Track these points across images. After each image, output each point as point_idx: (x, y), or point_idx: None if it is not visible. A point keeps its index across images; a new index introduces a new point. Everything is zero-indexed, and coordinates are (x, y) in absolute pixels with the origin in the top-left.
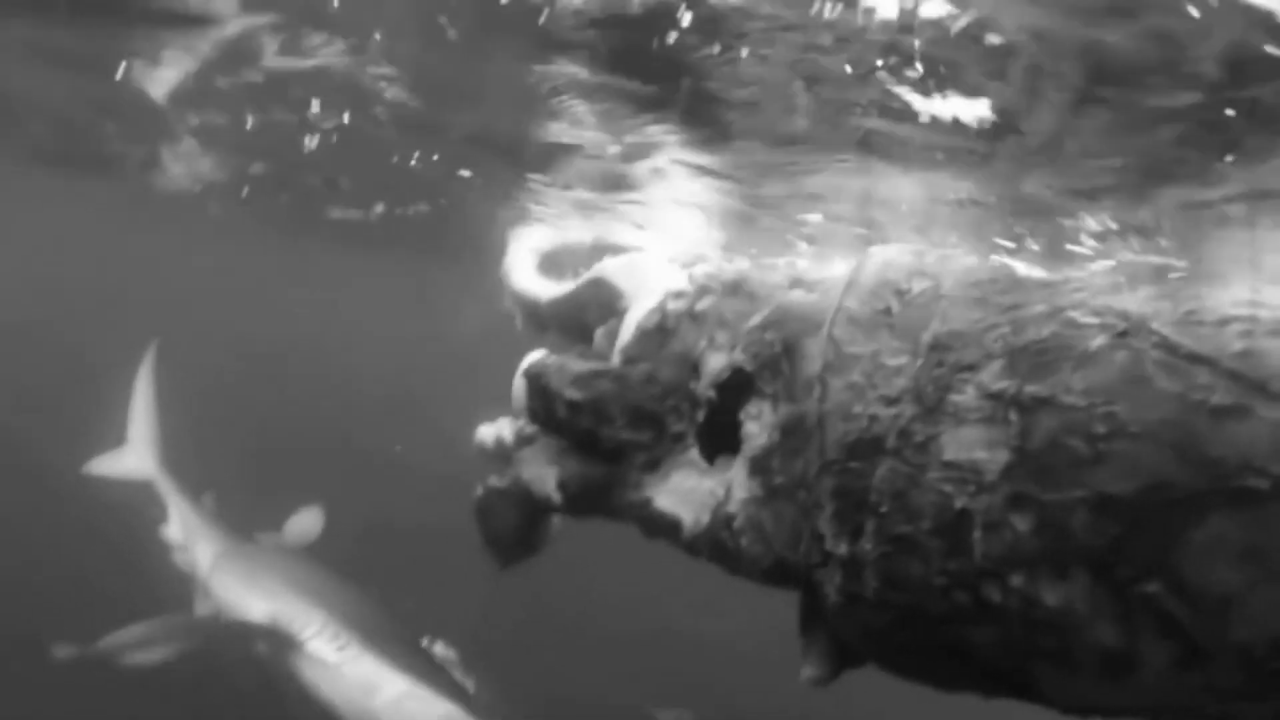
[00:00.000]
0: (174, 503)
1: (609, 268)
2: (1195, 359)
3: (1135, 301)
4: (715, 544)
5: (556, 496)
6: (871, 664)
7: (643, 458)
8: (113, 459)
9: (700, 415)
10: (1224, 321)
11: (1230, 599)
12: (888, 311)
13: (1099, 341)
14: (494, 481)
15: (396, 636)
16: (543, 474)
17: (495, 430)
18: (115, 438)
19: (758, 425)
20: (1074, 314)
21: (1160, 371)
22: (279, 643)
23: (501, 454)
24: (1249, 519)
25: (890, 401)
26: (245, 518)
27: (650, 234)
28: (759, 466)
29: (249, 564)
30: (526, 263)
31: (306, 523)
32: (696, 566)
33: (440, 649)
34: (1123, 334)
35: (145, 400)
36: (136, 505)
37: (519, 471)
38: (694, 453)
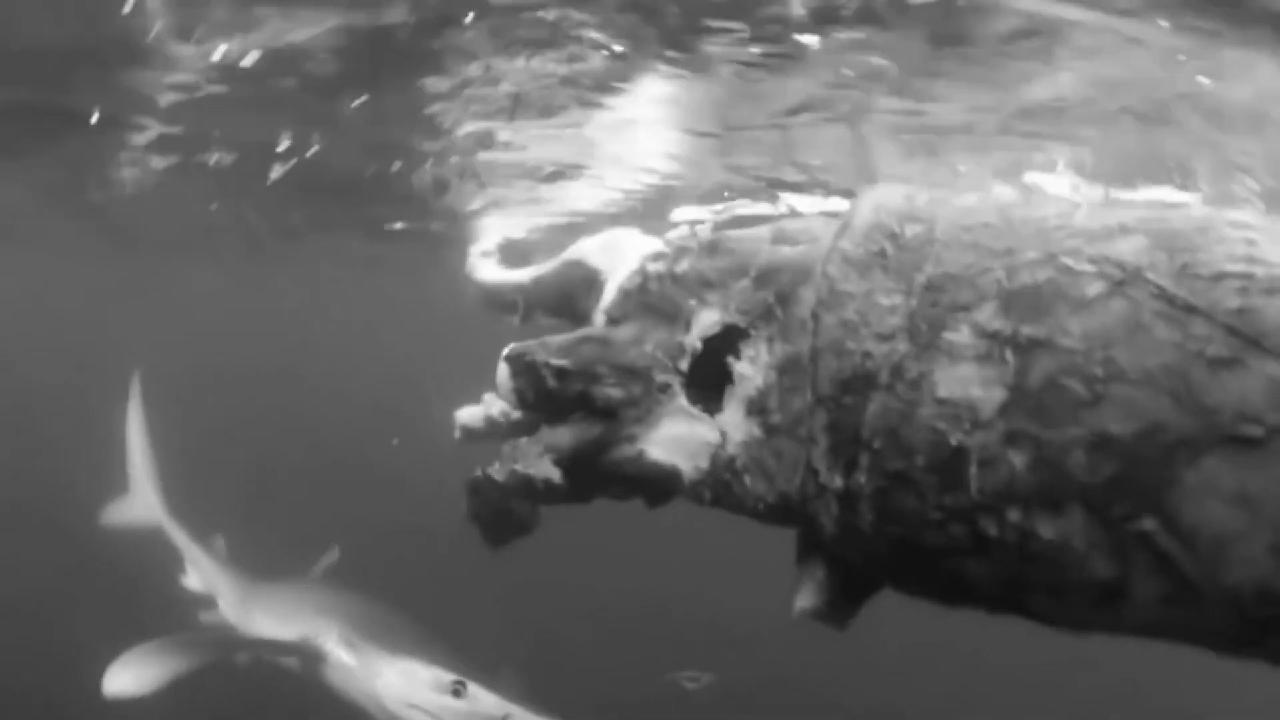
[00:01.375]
0: (188, 552)
1: (585, 248)
2: (1192, 310)
3: (1130, 251)
4: (718, 486)
5: (556, 475)
6: (868, 600)
7: (633, 413)
8: (120, 507)
9: (684, 364)
10: (1219, 277)
11: (1223, 541)
12: (882, 254)
13: (1096, 289)
14: (492, 472)
15: (397, 631)
16: (540, 462)
17: (483, 410)
18: (119, 484)
19: (752, 367)
20: (1069, 260)
21: (1158, 321)
22: (306, 657)
23: (494, 432)
24: (1243, 464)
25: (884, 338)
26: (259, 553)
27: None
28: (756, 407)
29: (270, 600)
30: (487, 258)
31: (327, 563)
32: (694, 533)
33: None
34: (1120, 283)
35: (140, 441)
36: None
37: (515, 463)
38: (681, 400)
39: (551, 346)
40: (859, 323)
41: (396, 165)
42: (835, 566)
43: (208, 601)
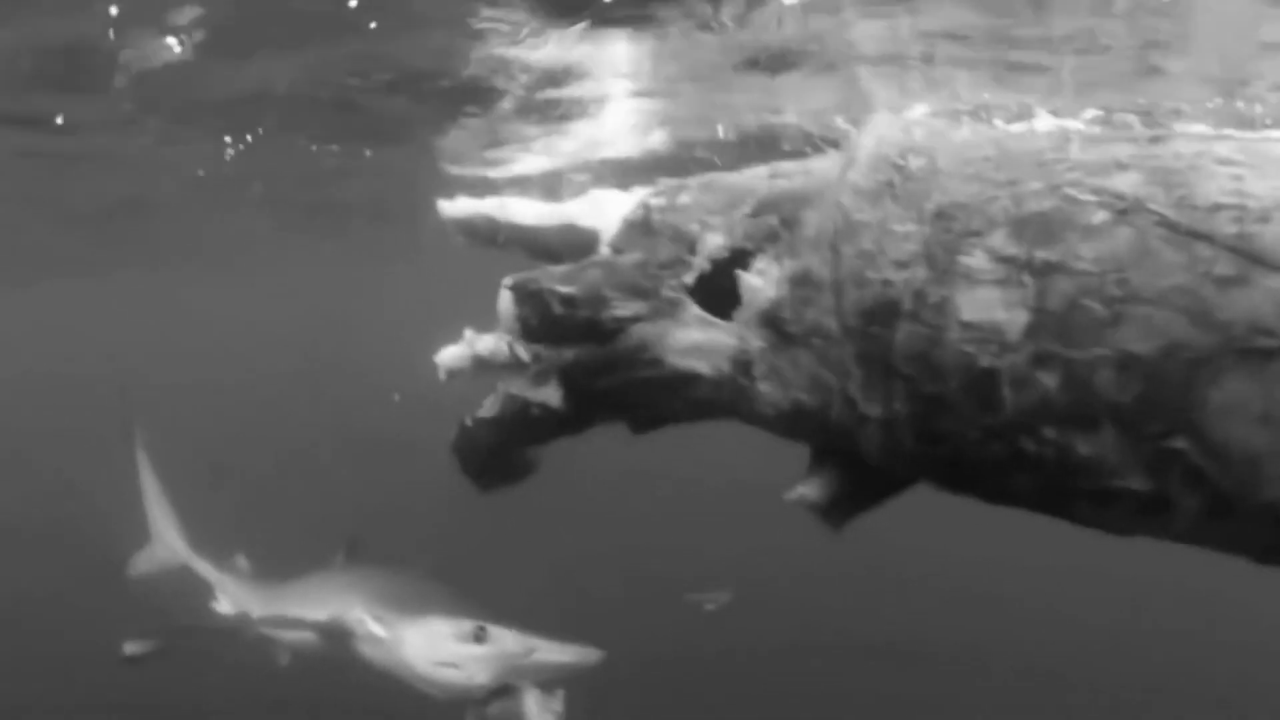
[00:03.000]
0: (214, 579)
1: (572, 210)
2: (1195, 235)
3: (1128, 185)
4: (735, 390)
5: (556, 397)
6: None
7: (646, 327)
8: (145, 557)
9: (690, 278)
10: (1215, 208)
11: (1255, 459)
12: (890, 184)
13: (1101, 217)
14: (482, 412)
15: (419, 595)
16: (538, 388)
17: (466, 349)
18: (140, 535)
19: (762, 280)
20: (1071, 191)
21: (1165, 245)
22: (335, 638)
23: (482, 371)
24: (1263, 380)
25: (902, 265)
26: (284, 559)
27: None
28: (769, 319)
29: (293, 593)
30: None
31: (348, 546)
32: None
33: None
34: (1123, 212)
35: (154, 487)
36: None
37: (511, 387)
38: (694, 310)
39: (556, 274)
40: (876, 251)
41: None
42: (850, 470)
43: (242, 621)
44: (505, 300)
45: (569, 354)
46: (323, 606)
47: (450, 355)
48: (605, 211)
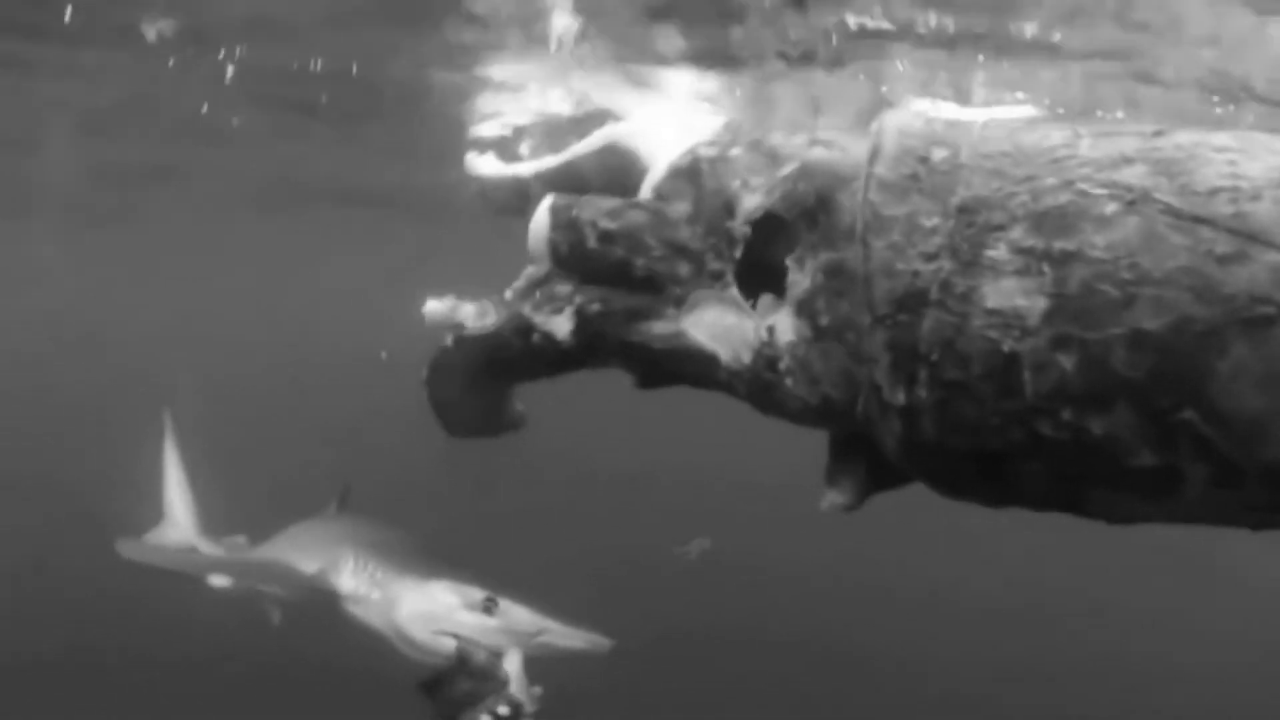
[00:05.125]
0: (219, 561)
1: (619, 131)
2: (1197, 220)
3: (1135, 176)
4: (757, 382)
5: (566, 329)
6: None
7: (677, 291)
8: (155, 537)
9: (738, 253)
10: (1213, 192)
11: (1257, 421)
12: (915, 176)
13: (1112, 208)
14: (472, 328)
15: (416, 556)
16: (551, 316)
17: (450, 311)
18: (153, 514)
19: (799, 270)
20: (1084, 186)
21: (1170, 231)
22: (323, 593)
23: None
24: (1263, 345)
25: (929, 258)
26: (279, 515)
27: None
28: (804, 309)
29: (283, 546)
30: (485, 155)
31: (339, 498)
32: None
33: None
34: (1131, 202)
35: (175, 470)
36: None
37: (521, 306)
38: (733, 291)
39: (599, 207)
40: (904, 244)
41: None
42: (874, 465)
43: (242, 591)
44: (540, 222)
45: (595, 293)
46: (311, 557)
47: (434, 309)
48: (653, 145)
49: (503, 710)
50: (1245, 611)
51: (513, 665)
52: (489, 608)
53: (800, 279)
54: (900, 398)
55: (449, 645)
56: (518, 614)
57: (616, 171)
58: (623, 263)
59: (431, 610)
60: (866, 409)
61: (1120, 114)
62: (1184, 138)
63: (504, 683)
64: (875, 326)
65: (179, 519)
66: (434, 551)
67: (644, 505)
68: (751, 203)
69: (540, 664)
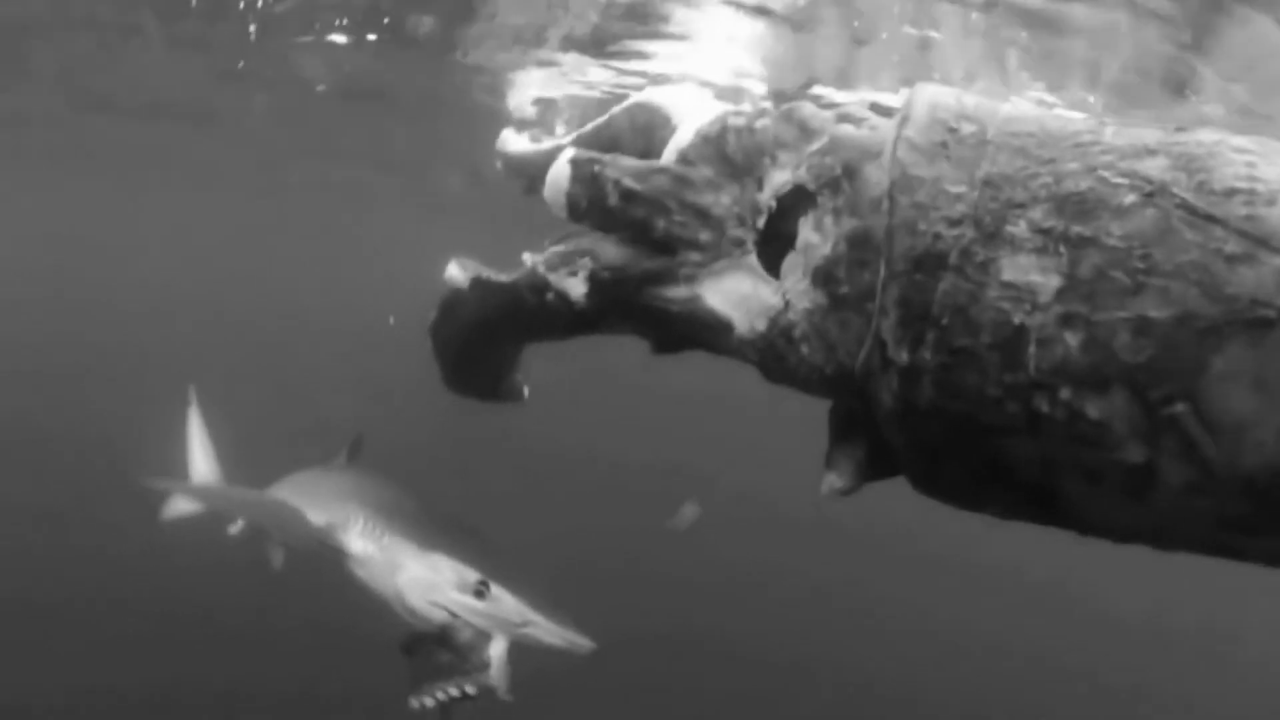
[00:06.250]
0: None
1: (651, 93)
2: (1211, 219)
3: (1155, 169)
4: (769, 350)
5: (582, 292)
6: (900, 477)
7: (696, 256)
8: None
9: (761, 222)
10: (1230, 193)
11: (1242, 427)
12: (944, 145)
13: (1130, 199)
14: (488, 274)
15: (424, 523)
16: (566, 278)
17: (468, 270)
18: (178, 472)
19: (819, 235)
20: (1105, 174)
21: (1184, 226)
22: (328, 547)
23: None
24: (1259, 347)
25: (953, 223)
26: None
27: None
28: (823, 276)
29: (294, 491)
30: (518, 134)
31: (352, 447)
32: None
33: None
34: (1149, 194)
35: (200, 434)
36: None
37: (541, 266)
38: (753, 259)
39: (624, 165)
40: (929, 206)
41: None
42: (876, 447)
43: (251, 533)
44: (560, 173)
45: (613, 253)
46: (322, 510)
47: (455, 275)
48: (683, 108)
49: (471, 690)
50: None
51: (497, 651)
52: (480, 592)
53: (820, 245)
54: (904, 356)
55: (443, 617)
56: (506, 603)
57: (644, 129)
58: (642, 223)
59: (430, 581)
60: (868, 363)
61: None
62: (1206, 135)
63: (484, 665)
64: (890, 281)
65: (201, 476)
66: (442, 519)
67: (621, 497)
68: (781, 178)
69: (524, 653)
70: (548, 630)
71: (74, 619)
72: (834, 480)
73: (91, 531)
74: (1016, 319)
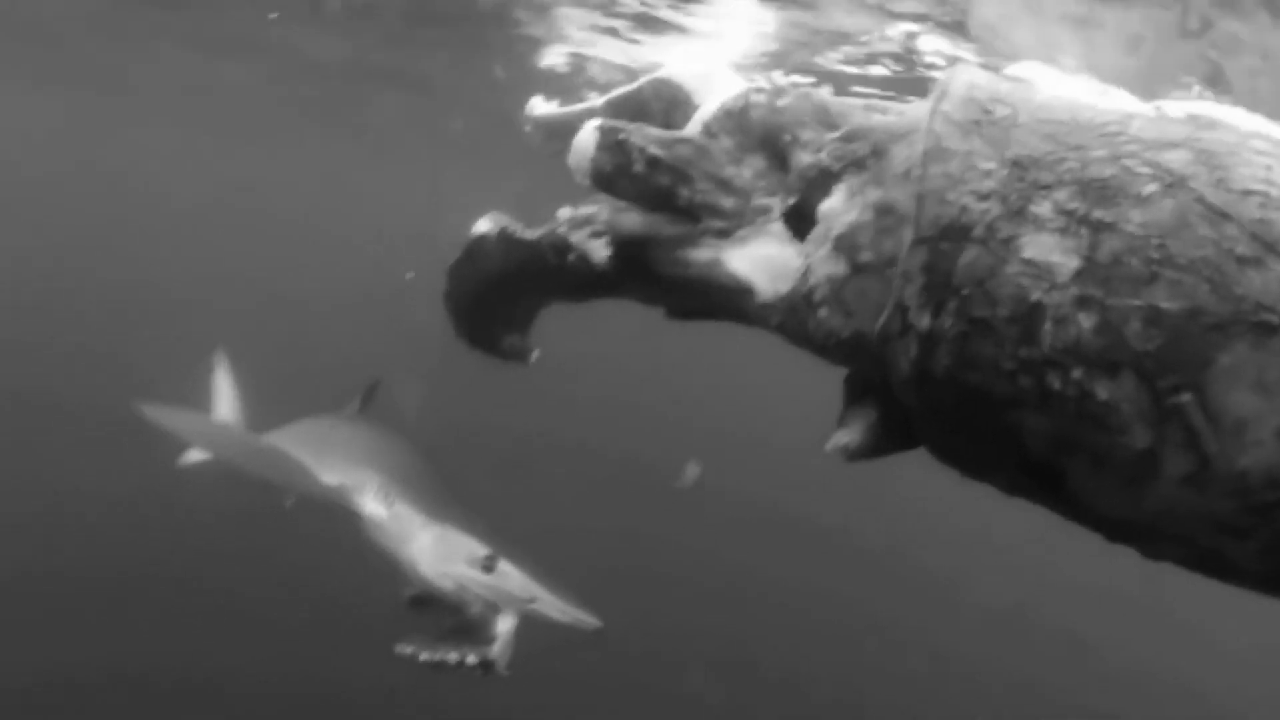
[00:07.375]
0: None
1: (674, 68)
2: (1225, 217)
3: (1178, 162)
4: (790, 313)
5: (605, 257)
6: (913, 447)
7: (719, 224)
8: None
9: (791, 201)
10: (1246, 193)
11: (1242, 424)
12: (977, 123)
13: (1151, 189)
14: (515, 229)
15: (438, 493)
16: (590, 241)
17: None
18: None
19: (843, 203)
20: (1129, 163)
21: (1200, 221)
22: (341, 507)
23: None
24: (1262, 350)
25: (981, 197)
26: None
27: None
28: (845, 243)
29: (305, 437)
30: (547, 101)
31: (366, 394)
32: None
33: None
34: (1170, 186)
35: (227, 390)
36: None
37: (564, 227)
38: (778, 225)
39: (650, 134)
40: (959, 178)
41: None
42: (891, 412)
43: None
44: (586, 139)
45: (635, 220)
46: (333, 468)
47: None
48: (707, 83)
49: (471, 660)
50: None
51: (505, 626)
52: (488, 566)
53: (843, 210)
54: (925, 322)
55: (452, 587)
56: (513, 578)
57: (668, 102)
58: (667, 191)
59: (439, 552)
60: (887, 328)
61: None
62: (1230, 134)
63: (490, 639)
64: (917, 247)
65: (223, 411)
66: (453, 488)
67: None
68: (805, 159)
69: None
70: (554, 607)
71: (83, 595)
72: (843, 436)
73: (100, 506)
74: (1034, 296)
